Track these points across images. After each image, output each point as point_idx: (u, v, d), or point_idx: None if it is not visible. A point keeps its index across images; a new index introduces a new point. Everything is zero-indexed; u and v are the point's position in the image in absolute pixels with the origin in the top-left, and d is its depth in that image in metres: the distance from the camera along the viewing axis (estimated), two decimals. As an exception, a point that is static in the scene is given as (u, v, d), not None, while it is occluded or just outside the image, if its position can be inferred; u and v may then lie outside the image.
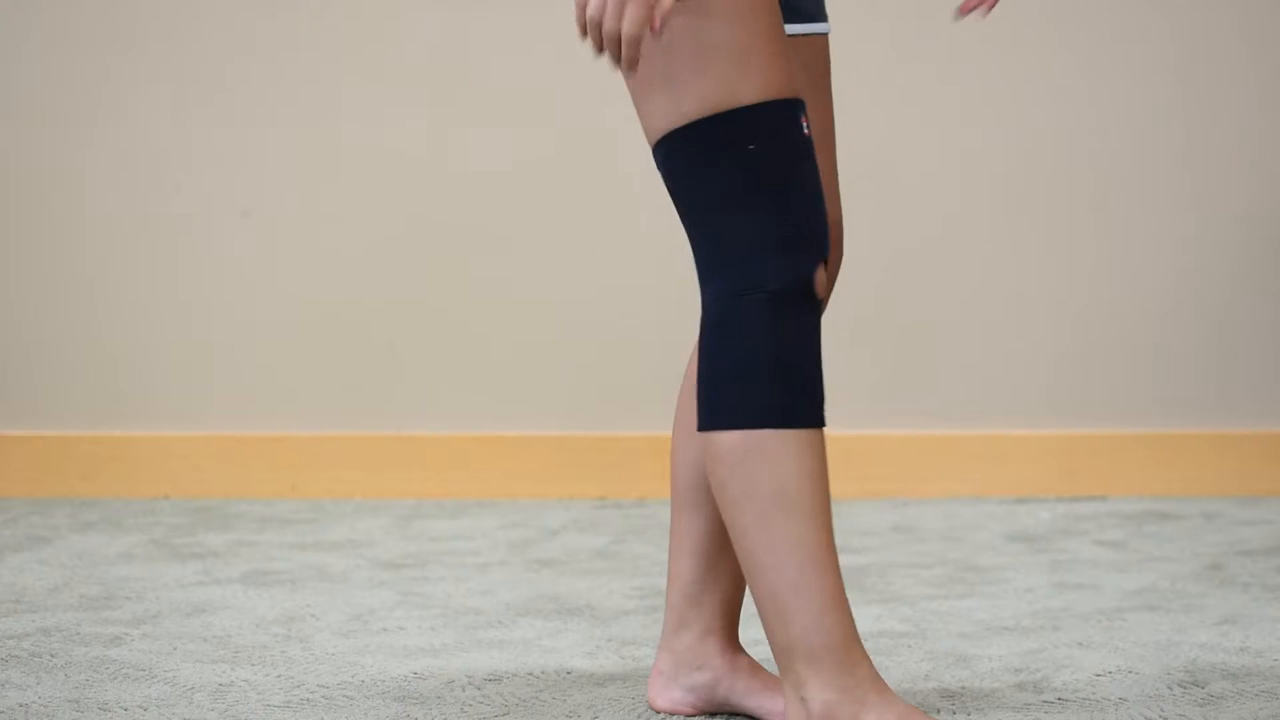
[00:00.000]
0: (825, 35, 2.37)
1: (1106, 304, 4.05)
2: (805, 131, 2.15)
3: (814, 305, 2.14)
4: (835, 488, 4.00)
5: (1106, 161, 4.04)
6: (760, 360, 2.13)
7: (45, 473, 4.11)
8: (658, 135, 2.17)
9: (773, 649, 2.19)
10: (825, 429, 2.17)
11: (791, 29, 2.31)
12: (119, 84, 4.10)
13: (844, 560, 3.38)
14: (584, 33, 2.04)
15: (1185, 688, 2.50)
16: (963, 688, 2.51)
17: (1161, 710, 2.40)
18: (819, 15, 2.36)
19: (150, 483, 4.10)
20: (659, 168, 2.19)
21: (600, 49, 2.03)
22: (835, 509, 3.88)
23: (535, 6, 4.03)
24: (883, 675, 2.57)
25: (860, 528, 3.68)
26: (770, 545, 2.15)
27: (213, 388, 4.12)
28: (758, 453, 2.14)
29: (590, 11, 2.02)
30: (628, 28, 2.01)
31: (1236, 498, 3.97)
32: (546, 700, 2.49)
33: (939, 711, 2.41)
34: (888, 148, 4.05)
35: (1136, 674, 2.57)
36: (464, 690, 2.54)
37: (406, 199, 4.09)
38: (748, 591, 2.40)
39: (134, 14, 4.09)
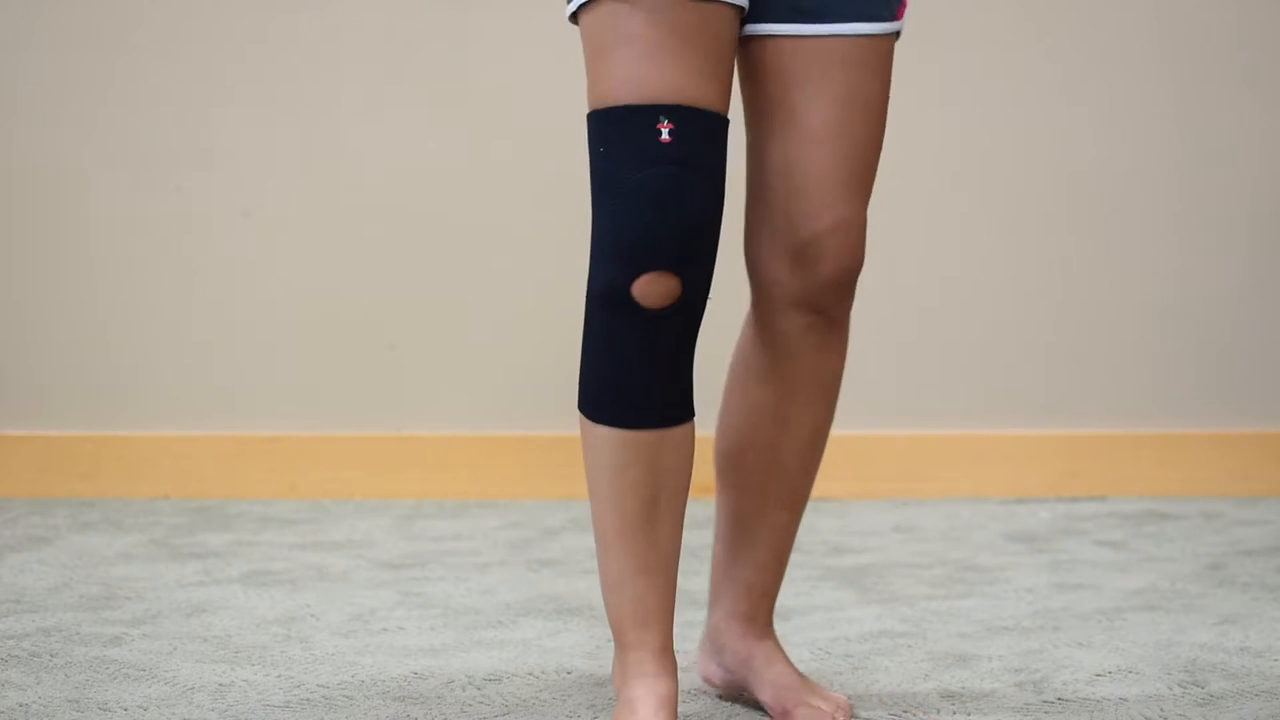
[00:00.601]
0: (848, 37, 2.30)
1: (1106, 304, 4.05)
2: (664, 138, 2.16)
3: (633, 313, 2.17)
4: (836, 487, 4.00)
5: (1106, 162, 4.04)
6: (585, 352, 2.22)
7: (45, 473, 4.11)
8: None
9: None
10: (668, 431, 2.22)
11: (793, 29, 2.29)
12: (120, 84, 4.10)
13: (844, 560, 3.38)
14: None
15: (1185, 688, 2.50)
16: (963, 688, 2.51)
17: (1161, 710, 2.40)
18: (833, 17, 2.28)
19: (150, 483, 4.10)
20: None
21: None
22: (836, 509, 3.88)
23: (536, 6, 4.03)
24: (883, 675, 2.57)
25: (860, 528, 3.68)
26: (592, 514, 2.28)
27: (213, 388, 4.12)
28: (581, 431, 2.25)
29: None
30: None
31: (1236, 498, 3.97)
32: (546, 700, 2.49)
33: (939, 711, 2.41)
34: (887, 148, 4.04)
35: (1136, 674, 2.57)
36: (464, 690, 2.54)
37: (407, 199, 4.09)
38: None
39: (135, 14, 4.09)
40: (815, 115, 2.29)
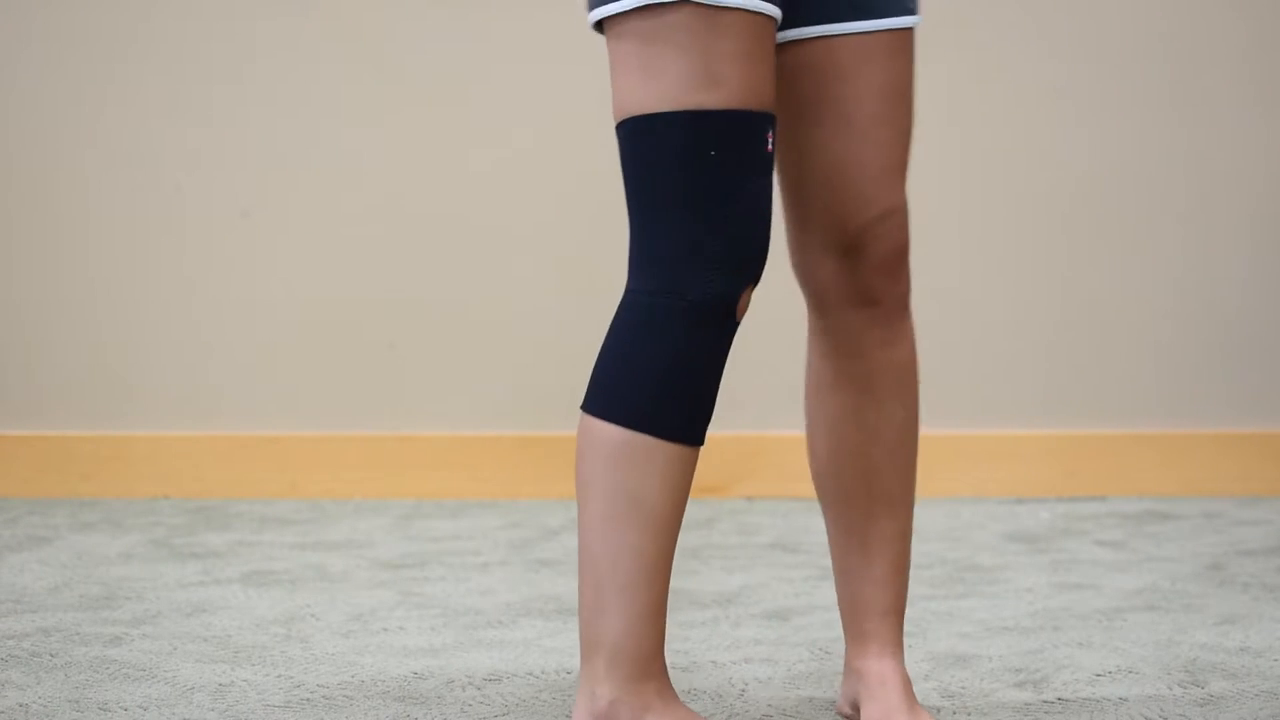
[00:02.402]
0: (890, 30, 2.29)
1: (1107, 304, 4.05)
2: (769, 148, 2.13)
3: (730, 325, 2.13)
4: (835, 488, 4.00)
5: (1106, 162, 4.04)
6: (659, 365, 2.13)
7: (45, 473, 4.11)
8: (626, 114, 2.15)
9: (581, 635, 2.19)
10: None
11: (845, 28, 2.26)
12: (119, 84, 4.10)
13: (844, 560, 3.38)
14: None
15: (1185, 688, 2.49)
16: (963, 688, 2.51)
17: (1161, 710, 2.40)
18: (881, 12, 2.28)
19: (150, 483, 4.10)
20: (620, 143, 2.17)
21: None
22: (835, 509, 3.88)
23: (536, 6, 4.03)
24: (883, 675, 2.57)
25: (860, 528, 3.68)
26: (612, 545, 2.15)
27: (213, 388, 4.12)
28: (630, 455, 2.13)
29: None
30: None
31: (1236, 498, 3.97)
32: (546, 700, 2.49)
33: (939, 711, 2.41)
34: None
35: (1136, 674, 2.57)
36: (464, 690, 2.54)
37: (407, 199, 4.09)
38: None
39: (134, 14, 4.09)
40: (861, 108, 2.26)
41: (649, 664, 2.18)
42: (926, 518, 3.78)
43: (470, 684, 2.57)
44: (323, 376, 4.11)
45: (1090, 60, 4.03)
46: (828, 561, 3.37)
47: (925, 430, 4.09)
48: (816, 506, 3.91)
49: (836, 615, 2.93)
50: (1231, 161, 4.03)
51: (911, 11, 2.30)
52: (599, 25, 2.19)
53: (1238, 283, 4.05)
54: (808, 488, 4.01)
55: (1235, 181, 4.03)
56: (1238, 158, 4.03)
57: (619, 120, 2.16)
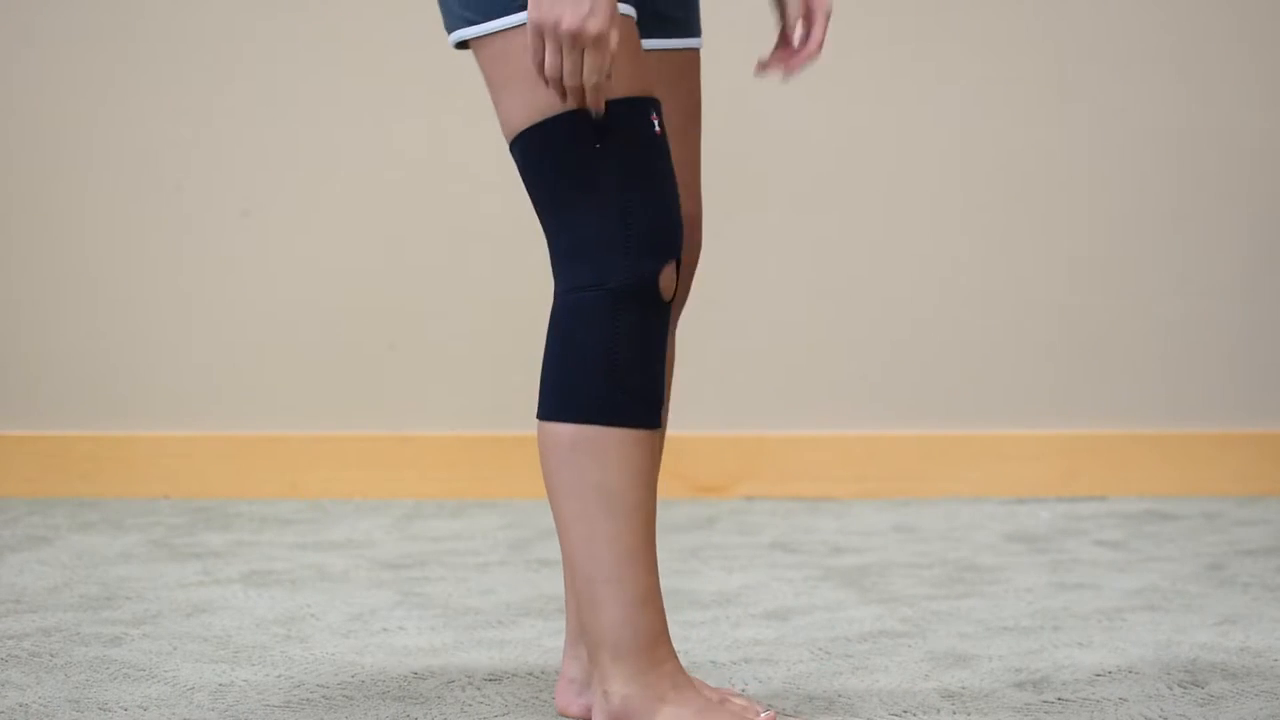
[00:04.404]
0: (695, 50, 2.40)
1: (1107, 304, 4.05)
2: (657, 130, 2.19)
3: (657, 306, 2.18)
4: (836, 488, 4.00)
5: (1106, 161, 4.04)
6: (595, 357, 2.19)
7: (45, 473, 4.11)
8: (515, 131, 2.21)
9: (585, 638, 2.24)
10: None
11: (660, 43, 2.35)
12: (119, 84, 4.10)
13: (844, 560, 3.38)
14: (547, 84, 2.13)
15: (1185, 688, 2.49)
16: (963, 688, 2.51)
17: (1161, 710, 2.40)
18: (688, 31, 2.38)
19: (150, 483, 4.10)
20: (516, 164, 2.23)
21: (565, 99, 2.13)
22: (835, 509, 3.88)
23: (535, 6, 4.03)
24: (883, 675, 2.57)
25: (860, 528, 3.68)
26: (589, 539, 2.21)
27: (213, 388, 4.12)
28: (585, 448, 2.19)
29: (549, 71, 2.12)
30: (589, 78, 2.11)
31: (1236, 498, 3.97)
32: (546, 700, 2.49)
33: (939, 711, 2.41)
34: (886, 147, 4.05)
35: (1136, 674, 2.57)
36: (464, 690, 2.54)
37: (406, 199, 4.09)
38: None
39: (134, 14, 4.09)
40: (678, 119, 2.36)
41: (653, 652, 2.21)
42: (926, 518, 3.78)
43: (470, 684, 2.57)
44: (323, 376, 4.11)
45: (1091, 61, 4.03)
46: (829, 561, 3.37)
47: (926, 430, 4.10)
48: (817, 506, 3.91)
49: (837, 615, 2.93)
50: (1232, 161, 4.03)
51: (699, 34, 2.40)
52: (463, 46, 2.29)
53: (1238, 283, 4.04)
54: (808, 488, 4.02)
55: (1235, 182, 4.03)
56: (1238, 157, 4.03)
57: (511, 138, 2.22)
